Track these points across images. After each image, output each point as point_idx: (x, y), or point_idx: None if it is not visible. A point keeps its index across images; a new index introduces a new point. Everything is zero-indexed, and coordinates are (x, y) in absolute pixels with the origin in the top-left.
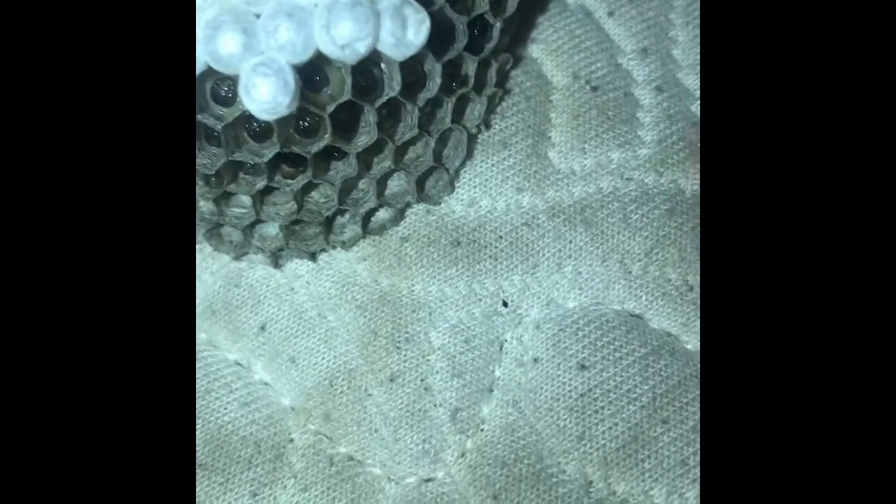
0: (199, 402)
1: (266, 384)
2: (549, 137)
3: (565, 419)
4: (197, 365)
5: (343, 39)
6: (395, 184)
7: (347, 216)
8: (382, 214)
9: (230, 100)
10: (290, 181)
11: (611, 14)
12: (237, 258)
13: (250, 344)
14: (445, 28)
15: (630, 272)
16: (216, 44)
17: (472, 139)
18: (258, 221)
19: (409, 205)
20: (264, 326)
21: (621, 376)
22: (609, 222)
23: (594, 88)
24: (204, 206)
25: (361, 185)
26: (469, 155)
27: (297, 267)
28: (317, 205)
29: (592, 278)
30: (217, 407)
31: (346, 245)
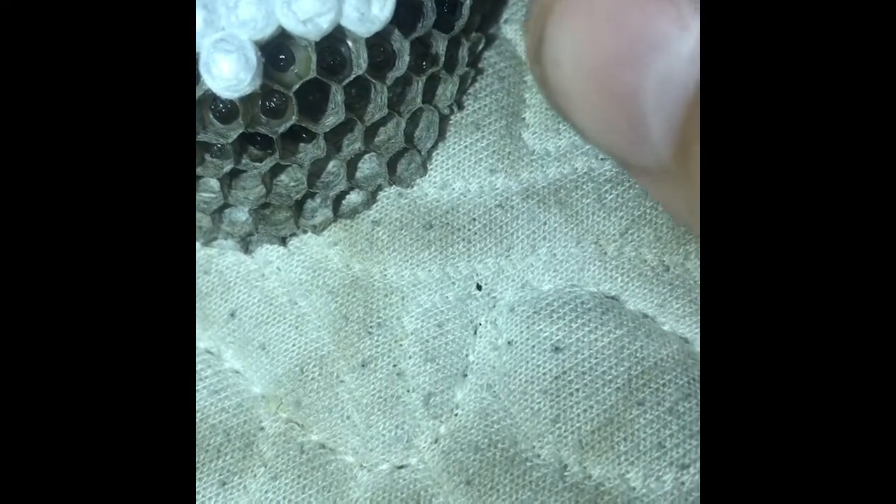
0: None
1: (237, 372)
2: (524, 118)
3: (539, 402)
4: None
5: (305, 14)
6: (367, 166)
7: (318, 200)
8: (354, 198)
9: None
10: (257, 164)
11: None
12: (206, 244)
13: (220, 331)
14: (413, 5)
15: (605, 253)
16: None
17: (444, 120)
18: (227, 206)
19: (380, 187)
20: (234, 313)
21: (596, 358)
22: (583, 203)
23: None
24: None
25: (331, 167)
26: (441, 136)
27: (268, 253)
28: (286, 188)
29: (567, 260)
30: None
31: (317, 229)
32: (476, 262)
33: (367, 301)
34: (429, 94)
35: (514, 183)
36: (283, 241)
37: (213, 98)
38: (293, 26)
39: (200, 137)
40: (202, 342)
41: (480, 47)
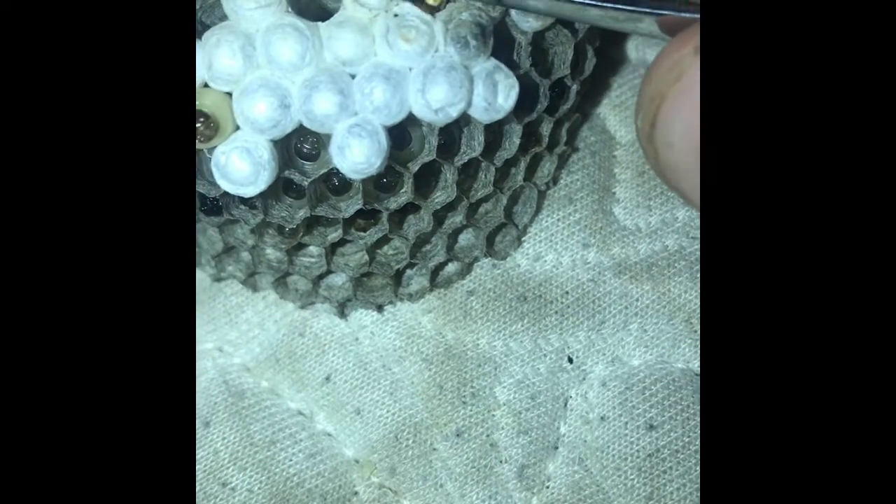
0: (264, 454)
1: (329, 435)
2: (614, 193)
3: (633, 479)
4: (260, 414)
5: (438, 104)
6: (464, 238)
7: (415, 269)
8: (450, 268)
9: (314, 156)
10: (362, 234)
11: None
12: (303, 307)
13: (314, 394)
14: (527, 90)
15: (696, 331)
16: (312, 103)
17: (541, 196)
18: (328, 272)
19: (476, 259)
20: (329, 377)
21: (689, 436)
22: (675, 281)
23: None
24: (272, 254)
25: (433, 239)
26: (538, 211)
27: (362, 317)
28: (386, 257)
29: (658, 336)
30: (283, 458)
31: (413, 297)
32: (568, 336)
33: (460, 370)
34: (529, 171)
35: (605, 258)
36: (380, 308)
37: (328, 173)
38: (425, 114)
39: (318, 211)
40: (294, 403)
41: (578, 125)
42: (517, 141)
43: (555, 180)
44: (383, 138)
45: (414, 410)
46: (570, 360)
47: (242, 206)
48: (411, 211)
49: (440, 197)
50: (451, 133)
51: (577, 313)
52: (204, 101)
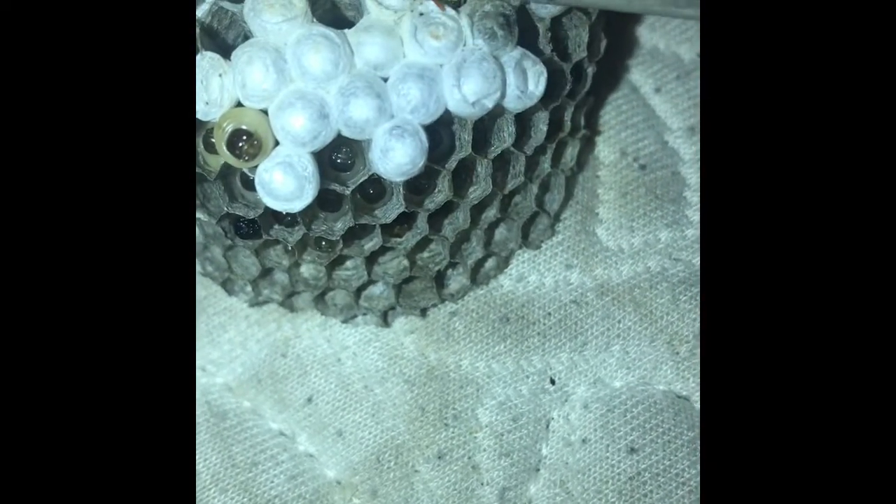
0: (245, 475)
1: (311, 456)
2: (597, 214)
3: (614, 502)
4: (242, 435)
5: (474, 96)
6: (498, 232)
7: (455, 269)
8: (489, 264)
9: (349, 165)
10: (398, 239)
11: (657, 91)
12: (345, 321)
13: (296, 415)
14: (551, 76)
15: (678, 353)
16: (350, 111)
17: (569, 181)
18: (369, 282)
19: (512, 252)
20: (311, 398)
21: (670, 460)
22: (658, 303)
23: (642, 167)
24: (307, 272)
25: (470, 236)
26: (568, 196)
27: (345, 338)
28: (424, 260)
29: (640, 358)
30: (264, 480)
31: (455, 297)
32: (550, 357)
33: (442, 392)
34: (554, 158)
35: (588, 279)
36: (423, 312)
37: (363, 182)
38: (461, 109)
39: (362, 221)
40: (276, 424)
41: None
42: (544, 128)
43: (580, 166)
44: (424, 137)
45: (396, 432)
46: (553, 382)
47: (278, 226)
48: (446, 211)
49: (476, 192)
50: (480, 128)
51: (559, 335)
52: (243, 120)
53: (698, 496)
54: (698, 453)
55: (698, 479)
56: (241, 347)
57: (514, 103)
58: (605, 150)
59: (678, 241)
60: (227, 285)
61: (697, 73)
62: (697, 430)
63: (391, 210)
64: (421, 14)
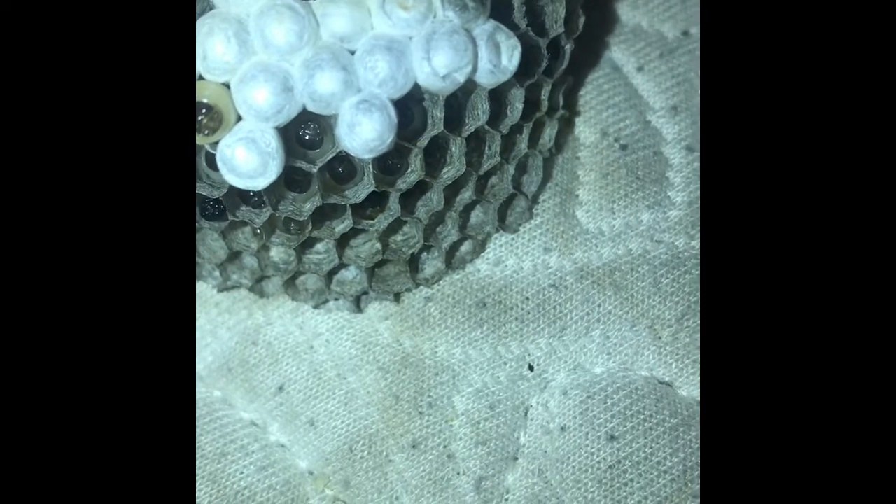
0: (214, 466)
1: (282, 446)
2: (577, 196)
3: (593, 491)
4: (212, 425)
5: (444, 69)
6: (474, 215)
7: (429, 252)
8: (464, 248)
9: (317, 143)
10: (370, 221)
11: (640, 69)
12: (317, 306)
13: (267, 404)
14: (524, 53)
15: (660, 338)
16: (315, 84)
17: (547, 162)
18: (341, 266)
19: (489, 235)
20: (282, 387)
21: (651, 447)
22: (639, 286)
23: (623, 147)
24: (277, 255)
25: (444, 219)
26: (546, 178)
27: (317, 324)
28: (397, 244)
29: (621, 343)
30: (233, 471)
31: (430, 282)
32: (528, 343)
33: (417, 379)
34: (532, 139)
35: (567, 262)
36: (397, 297)
37: (331, 161)
38: (432, 83)
39: (330, 200)
40: (247, 413)
41: (571, 89)
42: (520, 106)
43: (559, 147)
44: (392, 112)
45: (369, 421)
46: (531, 368)
47: (245, 207)
48: (419, 192)
49: (449, 172)
50: (454, 105)
51: (538, 320)
52: (203, 93)
53: (680, 484)
54: (680, 440)
55: (680, 467)
56: (210, 335)
57: (486, 78)
58: (585, 130)
59: (660, 223)
60: (195, 270)
61: (680, 52)
62: (679, 417)
63: (361, 190)
64: None
